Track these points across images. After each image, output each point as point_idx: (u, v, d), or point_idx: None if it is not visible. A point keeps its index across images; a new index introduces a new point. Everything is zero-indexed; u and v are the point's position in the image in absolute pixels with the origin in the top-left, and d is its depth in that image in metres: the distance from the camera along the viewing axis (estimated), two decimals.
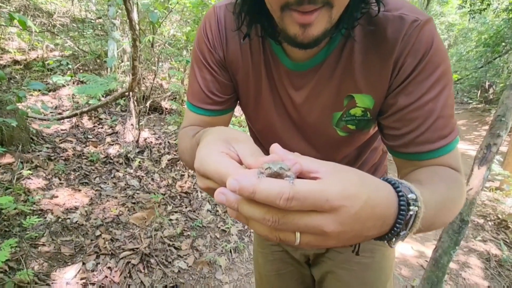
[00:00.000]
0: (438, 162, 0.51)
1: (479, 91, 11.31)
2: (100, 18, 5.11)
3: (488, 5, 8.46)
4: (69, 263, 1.68)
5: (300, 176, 0.31)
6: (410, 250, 2.47)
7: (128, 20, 1.73)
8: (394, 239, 0.35)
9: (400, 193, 0.34)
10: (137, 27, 2.06)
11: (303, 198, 0.27)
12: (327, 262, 0.80)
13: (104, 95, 3.45)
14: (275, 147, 0.34)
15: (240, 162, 0.36)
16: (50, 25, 4.80)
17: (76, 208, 2.10)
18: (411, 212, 0.34)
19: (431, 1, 11.62)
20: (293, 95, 0.59)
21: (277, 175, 0.29)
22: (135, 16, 2.89)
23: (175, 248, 2.05)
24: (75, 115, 2.31)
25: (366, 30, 0.51)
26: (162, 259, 1.91)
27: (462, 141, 6.27)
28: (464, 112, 9.94)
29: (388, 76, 0.52)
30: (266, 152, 0.37)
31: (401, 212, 0.34)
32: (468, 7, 9.74)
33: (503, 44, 8.73)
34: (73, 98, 3.53)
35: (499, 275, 2.12)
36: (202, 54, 0.61)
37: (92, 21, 5.39)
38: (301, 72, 0.57)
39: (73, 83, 3.70)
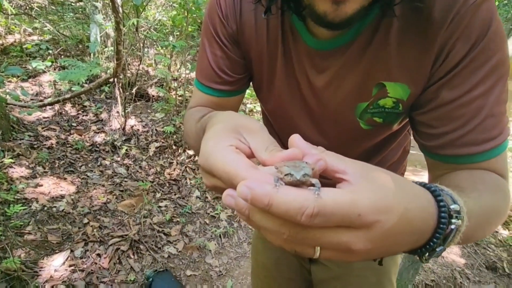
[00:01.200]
0: (482, 166, 0.43)
1: None
2: (81, 0, 4.89)
3: None
4: (57, 251, 1.67)
5: (323, 174, 0.26)
6: None
7: (110, 3, 1.67)
8: (428, 254, 0.30)
9: (441, 203, 0.29)
10: (120, 9, 1.98)
11: (330, 213, 0.22)
12: (328, 263, 0.75)
13: (88, 81, 3.35)
14: (295, 139, 0.29)
15: (252, 156, 0.31)
16: (28, 7, 4.55)
17: (62, 196, 2.07)
18: (452, 226, 0.29)
19: None
20: (314, 78, 0.51)
21: (299, 183, 0.24)
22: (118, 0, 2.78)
23: (164, 234, 2.06)
24: (57, 102, 2.24)
25: (408, 5, 0.41)
26: (152, 245, 1.93)
27: None
28: None
29: (431, 63, 0.43)
30: (280, 142, 0.33)
31: (441, 226, 0.29)
32: None
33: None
34: (55, 84, 3.41)
35: (475, 253, 2.24)
36: (213, 26, 0.55)
37: (73, 3, 5.15)
38: (325, 51, 0.48)
39: (54, 69, 3.56)
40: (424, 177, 3.08)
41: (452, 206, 0.29)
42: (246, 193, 0.23)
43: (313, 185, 0.24)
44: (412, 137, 0.59)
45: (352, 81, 0.49)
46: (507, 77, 0.42)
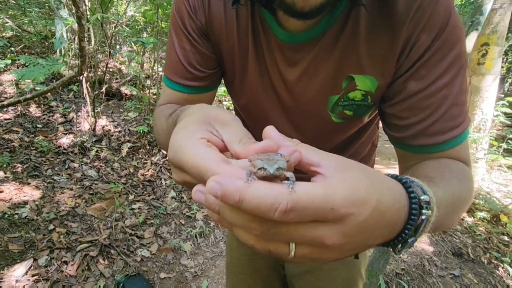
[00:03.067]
0: (448, 154, 0.45)
1: None
2: None
3: None
4: (18, 260, 1.58)
5: (298, 167, 0.25)
6: None
7: None
8: (400, 245, 0.30)
9: (412, 195, 0.29)
10: (86, 4, 1.88)
11: (303, 208, 0.21)
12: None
13: (54, 80, 3.18)
14: (270, 131, 0.28)
15: (226, 149, 0.30)
16: None
17: (26, 202, 1.96)
18: (423, 217, 0.29)
19: None
20: (285, 71, 0.51)
21: (272, 178, 0.23)
22: None
23: (137, 237, 2.00)
24: (18, 102, 2.11)
25: (374, 1, 0.43)
26: (124, 249, 1.87)
27: None
28: None
29: (397, 55, 0.44)
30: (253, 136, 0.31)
31: (412, 217, 0.29)
32: None
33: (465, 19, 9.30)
34: (17, 84, 3.20)
35: (442, 241, 2.36)
36: (181, 19, 0.52)
37: None
38: (296, 44, 0.48)
39: (17, 67, 3.35)
40: (397, 170, 3.20)
41: (422, 197, 0.29)
42: (216, 189, 0.22)
43: (287, 178, 0.23)
44: (382, 130, 0.60)
45: (323, 74, 0.49)
46: (466, 67, 0.45)
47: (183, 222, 2.27)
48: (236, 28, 0.51)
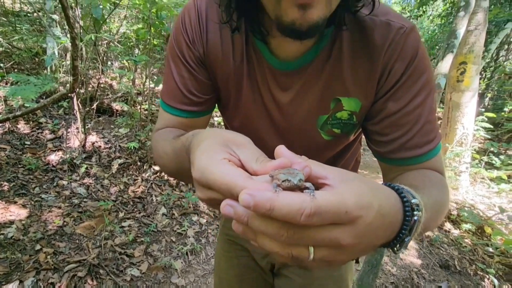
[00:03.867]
0: (425, 166, 0.52)
1: None
2: (39, 11, 4.65)
3: (424, 12, 9.44)
4: (3, 283, 1.53)
5: (307, 180, 0.28)
6: None
7: (65, 17, 1.62)
8: (398, 245, 0.34)
9: (404, 199, 0.33)
10: (77, 24, 1.93)
11: (324, 212, 0.25)
12: (291, 275, 0.77)
13: (44, 97, 3.17)
14: (282, 150, 0.32)
15: (243, 167, 0.32)
16: None
17: (12, 222, 1.91)
18: (415, 217, 0.33)
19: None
20: (278, 95, 0.56)
21: (295, 188, 0.26)
22: (76, 12, 2.70)
23: (127, 256, 1.97)
24: (7, 119, 2.09)
25: (355, 32, 0.50)
26: (113, 268, 1.84)
27: None
28: None
29: (377, 80, 0.51)
30: None
31: (407, 218, 0.33)
32: (407, 13, 10.74)
33: (437, 47, 9.79)
34: (5, 100, 3.18)
35: (430, 253, 2.41)
36: (179, 49, 0.56)
37: (29, 15, 4.88)
38: (288, 71, 0.54)
39: (6, 83, 3.33)
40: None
41: (413, 201, 0.33)
42: (249, 200, 0.24)
43: (307, 188, 0.26)
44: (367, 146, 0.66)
45: (312, 96, 0.55)
46: (434, 90, 0.52)
47: (174, 239, 2.25)
48: (231, 57, 0.55)
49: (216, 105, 0.66)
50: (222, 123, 3.94)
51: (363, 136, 0.65)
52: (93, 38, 2.03)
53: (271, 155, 0.34)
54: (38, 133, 3.03)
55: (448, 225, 2.87)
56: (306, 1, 0.39)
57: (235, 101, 0.60)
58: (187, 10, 0.56)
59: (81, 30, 2.34)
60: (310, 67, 0.52)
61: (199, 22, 0.55)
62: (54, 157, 2.75)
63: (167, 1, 2.86)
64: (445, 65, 1.79)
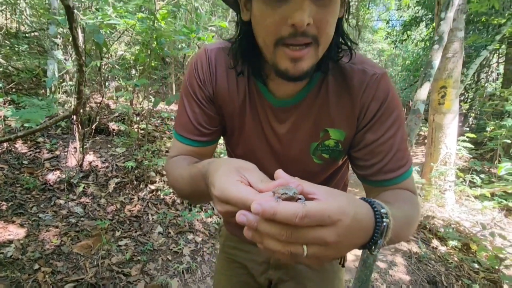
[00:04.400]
0: (400, 186, 0.62)
1: (405, 109, 13.00)
2: (35, 31, 4.78)
3: (408, 36, 9.97)
4: None
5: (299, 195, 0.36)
6: (348, 255, 2.75)
7: (74, 46, 1.75)
8: (373, 247, 0.42)
9: (375, 209, 0.41)
10: (84, 52, 2.06)
11: (312, 215, 0.33)
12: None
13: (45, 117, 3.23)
14: (280, 173, 0.41)
15: (252, 187, 0.40)
16: None
17: (10, 241, 1.94)
18: (384, 223, 0.41)
19: (362, 30, 13.18)
20: (277, 127, 0.66)
21: (291, 199, 0.35)
22: (80, 39, 2.84)
23: (124, 274, 2.00)
24: (9, 140, 2.16)
25: (338, 76, 0.61)
26: (110, 287, 1.86)
27: None
28: None
29: (356, 116, 0.62)
30: None
31: (377, 224, 0.41)
32: (393, 37, 11.30)
33: (421, 69, 10.27)
34: (4, 120, 3.24)
35: (418, 270, 2.49)
36: (192, 89, 0.66)
37: (27, 35, 5.01)
38: (284, 107, 0.64)
39: (4, 103, 3.39)
40: None
41: (382, 210, 0.42)
42: (258, 208, 0.33)
43: (299, 199, 0.35)
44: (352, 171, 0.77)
45: (305, 127, 0.65)
46: (404, 124, 0.63)
47: (170, 258, 2.29)
48: (236, 96, 0.67)
49: (222, 136, 0.77)
50: (223, 153, 4.02)
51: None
52: (98, 65, 2.16)
53: (270, 177, 0.43)
54: (36, 153, 3.08)
55: (435, 242, 2.98)
56: (296, 56, 0.49)
57: (239, 132, 0.70)
58: (199, 57, 0.67)
59: (85, 54, 2.47)
60: (302, 104, 0.63)
61: (209, 67, 0.66)
62: (51, 177, 2.79)
63: (166, 27, 3.04)
64: (423, 92, 1.96)
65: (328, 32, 0.50)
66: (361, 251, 2.61)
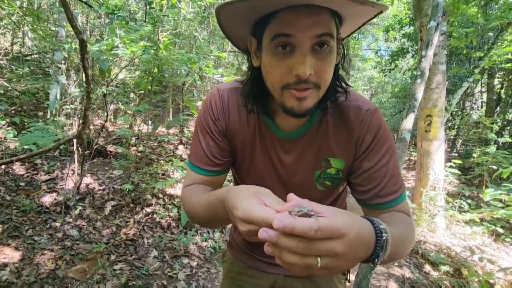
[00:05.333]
0: (395, 209, 0.68)
1: (396, 135, 13.33)
2: (35, 54, 4.91)
3: (396, 65, 10.49)
4: None
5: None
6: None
7: (84, 75, 1.87)
8: (376, 259, 0.46)
9: (375, 225, 0.47)
10: (92, 80, 2.17)
11: (324, 229, 0.38)
12: None
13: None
14: (292, 196, 0.46)
15: None
16: None
17: (6, 264, 1.93)
18: (383, 238, 0.46)
19: (353, 58, 13.79)
20: (283, 157, 0.73)
21: (305, 215, 0.40)
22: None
23: None
24: (10, 162, 2.20)
25: (336, 113, 0.70)
26: None
27: None
28: None
29: (354, 146, 0.70)
30: None
31: (378, 238, 0.46)
32: (382, 66, 11.86)
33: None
34: (3, 141, 3.27)
35: None
36: (207, 124, 0.73)
37: (28, 58, 5.15)
38: (290, 140, 0.72)
39: (8, 125, 3.45)
40: None
41: (381, 226, 0.47)
42: (279, 224, 0.38)
43: (312, 215, 0.40)
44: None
45: (308, 157, 0.72)
46: (396, 153, 0.71)
47: (165, 283, 2.28)
48: (247, 131, 0.74)
49: (232, 166, 0.82)
50: (231, 183, 4.08)
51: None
52: (104, 91, 2.27)
53: None
54: (33, 174, 3.10)
55: (427, 267, 3.02)
56: (301, 96, 0.57)
57: (250, 162, 0.77)
58: (213, 96, 0.75)
59: (92, 82, 2.58)
60: (306, 136, 0.71)
61: (223, 105, 0.73)
62: (48, 199, 2.80)
63: (168, 56, 3.21)
64: (408, 122, 2.11)
65: (326, 78, 0.58)
66: (353, 275, 2.62)
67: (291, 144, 0.72)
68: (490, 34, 4.87)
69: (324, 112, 0.70)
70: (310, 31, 0.53)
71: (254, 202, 0.46)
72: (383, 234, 0.46)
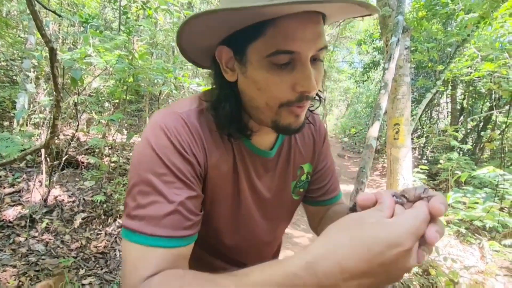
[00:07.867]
0: (338, 202, 0.78)
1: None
2: (2, 61, 4.71)
3: (369, 77, 11.02)
4: None
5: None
6: None
7: (54, 84, 1.83)
8: None
9: None
10: (62, 88, 2.13)
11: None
12: None
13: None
14: (381, 193, 0.41)
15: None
16: None
17: None
18: None
19: (330, 70, 14.30)
20: (265, 176, 0.67)
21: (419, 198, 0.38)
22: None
23: None
24: None
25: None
26: None
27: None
28: (360, 160, 11.88)
29: (315, 148, 0.75)
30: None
31: None
32: (356, 78, 12.40)
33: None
34: None
35: None
36: (173, 167, 0.49)
37: None
38: (270, 158, 0.67)
39: None
40: None
41: None
42: (436, 235, 0.35)
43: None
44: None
45: (289, 170, 0.71)
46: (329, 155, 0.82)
47: None
48: (228, 157, 0.60)
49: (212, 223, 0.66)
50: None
51: None
52: (75, 101, 2.23)
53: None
54: None
55: None
56: (299, 114, 0.53)
57: (233, 199, 0.63)
58: (173, 125, 0.52)
59: (62, 90, 2.52)
60: (283, 149, 0.69)
61: (193, 134, 0.54)
62: (11, 212, 2.65)
63: (144, 65, 3.21)
64: (374, 130, 2.24)
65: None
66: None
67: (272, 161, 0.67)
68: (449, 49, 5.27)
69: None
70: (314, 46, 0.48)
71: (383, 220, 0.35)
72: None
